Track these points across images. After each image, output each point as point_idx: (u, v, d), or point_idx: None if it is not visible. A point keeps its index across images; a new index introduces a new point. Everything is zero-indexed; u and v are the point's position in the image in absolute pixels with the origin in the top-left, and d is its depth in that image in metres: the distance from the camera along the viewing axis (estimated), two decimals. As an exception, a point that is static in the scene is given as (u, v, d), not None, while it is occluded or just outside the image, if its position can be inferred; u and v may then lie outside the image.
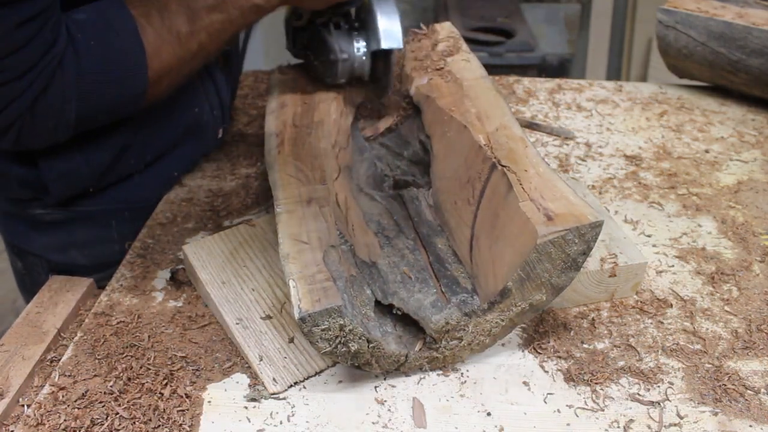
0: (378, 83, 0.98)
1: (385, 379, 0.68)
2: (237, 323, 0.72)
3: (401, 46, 0.92)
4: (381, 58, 0.95)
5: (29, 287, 1.05)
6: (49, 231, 0.97)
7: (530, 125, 1.15)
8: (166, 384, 0.67)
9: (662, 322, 0.74)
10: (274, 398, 0.66)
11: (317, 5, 0.91)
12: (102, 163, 0.92)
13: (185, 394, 0.66)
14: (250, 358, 0.69)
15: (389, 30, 0.91)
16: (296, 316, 0.60)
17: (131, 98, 0.83)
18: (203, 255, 0.81)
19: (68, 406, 0.65)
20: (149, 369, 0.68)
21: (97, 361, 0.69)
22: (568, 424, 0.63)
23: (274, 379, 0.67)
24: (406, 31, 0.95)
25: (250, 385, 0.68)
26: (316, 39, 0.95)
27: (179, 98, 0.96)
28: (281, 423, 0.64)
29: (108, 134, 0.90)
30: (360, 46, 0.93)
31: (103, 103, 0.82)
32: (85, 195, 0.94)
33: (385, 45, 0.91)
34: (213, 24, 0.85)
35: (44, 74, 0.74)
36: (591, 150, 1.08)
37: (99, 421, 0.63)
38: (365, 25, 0.93)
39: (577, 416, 0.64)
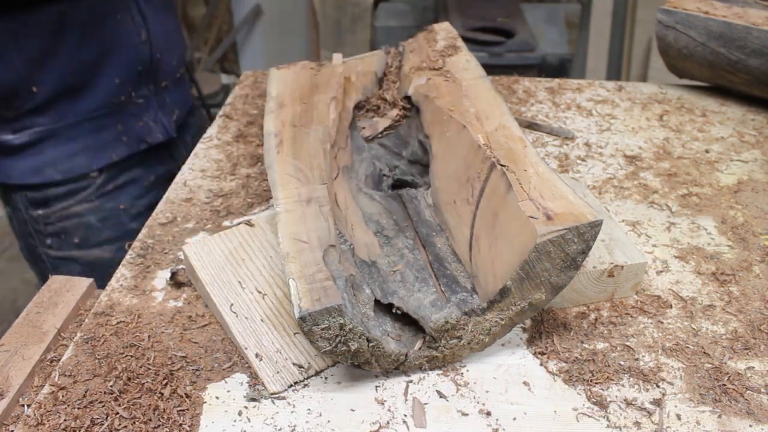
0: None
1: (385, 378, 0.68)
2: (236, 323, 0.72)
3: None
4: None
5: (17, 229, 1.22)
6: (21, 155, 1.11)
7: (530, 125, 1.15)
8: (166, 384, 0.67)
9: (662, 322, 0.74)
10: (274, 398, 0.66)
11: None
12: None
13: (185, 394, 0.66)
14: (249, 358, 0.69)
15: None
16: (296, 315, 0.60)
17: None
18: (203, 255, 0.81)
19: (68, 406, 0.65)
20: (149, 369, 0.68)
21: (97, 361, 0.69)
22: (568, 424, 0.63)
23: (273, 379, 0.67)
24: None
25: (250, 385, 0.68)
26: None
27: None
28: (281, 423, 0.64)
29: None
30: None
31: None
32: (38, 112, 1.08)
33: None
34: None
35: None
36: (591, 150, 1.08)
37: (99, 421, 0.63)
38: None
39: (577, 416, 0.64)
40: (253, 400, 0.66)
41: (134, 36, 1.16)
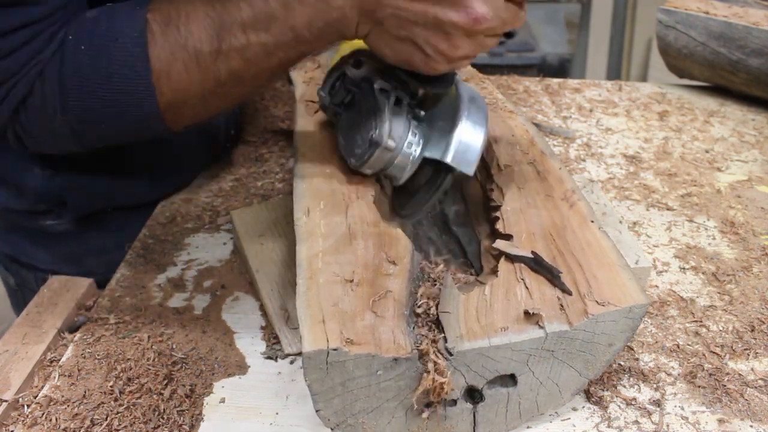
0: (412, 196, 0.73)
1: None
2: (265, 286, 0.76)
3: (471, 174, 0.67)
4: (431, 168, 0.69)
5: (23, 305, 1.03)
6: (59, 242, 0.95)
7: (530, 125, 1.15)
8: (166, 384, 0.67)
9: (662, 322, 0.74)
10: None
11: (395, 60, 0.67)
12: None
13: (185, 394, 0.66)
14: (273, 321, 0.73)
15: (466, 148, 0.66)
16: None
17: (141, 117, 0.69)
18: (247, 220, 0.85)
19: (68, 406, 0.65)
20: (149, 369, 0.68)
21: (97, 361, 0.69)
22: (568, 425, 0.63)
23: (290, 342, 0.71)
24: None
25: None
26: (364, 103, 0.71)
27: None
28: (282, 422, 0.64)
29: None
30: (414, 142, 0.68)
31: (102, 118, 0.69)
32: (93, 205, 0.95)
33: (452, 162, 0.66)
34: (250, 46, 0.65)
35: (22, 83, 0.66)
36: (591, 150, 1.08)
37: (99, 421, 0.63)
38: (432, 122, 0.70)
39: (577, 416, 0.64)
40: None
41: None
